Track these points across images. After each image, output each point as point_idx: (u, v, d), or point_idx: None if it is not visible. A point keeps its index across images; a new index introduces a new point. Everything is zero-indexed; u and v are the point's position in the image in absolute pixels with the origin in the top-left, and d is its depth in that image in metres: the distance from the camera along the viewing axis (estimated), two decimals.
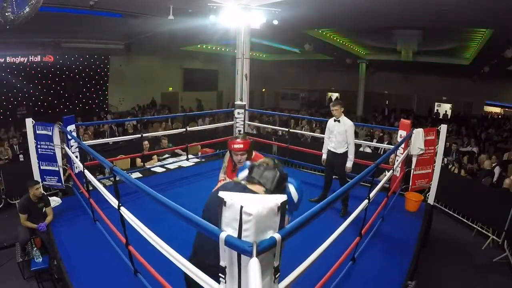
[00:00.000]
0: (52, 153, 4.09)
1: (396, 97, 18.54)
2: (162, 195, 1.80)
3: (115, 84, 14.03)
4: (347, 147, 3.90)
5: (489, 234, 4.79)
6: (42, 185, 4.00)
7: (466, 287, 3.85)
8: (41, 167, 4.11)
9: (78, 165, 4.04)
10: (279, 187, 1.64)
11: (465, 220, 5.23)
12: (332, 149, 3.99)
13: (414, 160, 4.34)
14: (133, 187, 2.04)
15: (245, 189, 1.61)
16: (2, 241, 4.33)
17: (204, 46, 14.25)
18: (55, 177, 4.18)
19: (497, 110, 16.43)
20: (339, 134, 3.89)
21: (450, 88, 16.36)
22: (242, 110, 6.15)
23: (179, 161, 5.78)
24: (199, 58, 16.06)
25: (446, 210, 5.52)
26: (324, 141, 4.19)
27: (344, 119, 3.90)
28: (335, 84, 20.68)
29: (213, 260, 1.50)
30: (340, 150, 3.92)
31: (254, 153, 2.59)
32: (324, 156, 4.16)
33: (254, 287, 1.12)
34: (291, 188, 1.68)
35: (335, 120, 3.92)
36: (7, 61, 10.86)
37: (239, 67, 6.96)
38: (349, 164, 3.92)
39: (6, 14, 4.03)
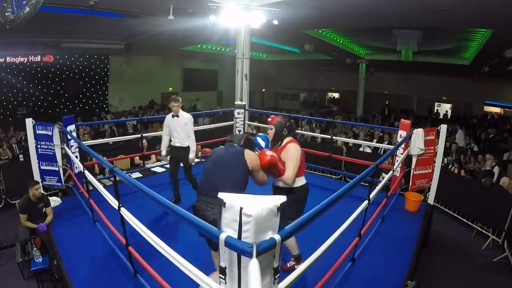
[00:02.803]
0: (52, 153, 4.09)
1: (396, 97, 18.53)
2: (162, 195, 1.81)
3: (115, 84, 14.02)
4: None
5: (489, 234, 4.79)
6: (42, 185, 4.00)
7: (466, 287, 3.85)
8: (41, 167, 4.12)
9: (78, 165, 4.04)
10: (246, 143, 2.42)
11: (465, 220, 5.23)
12: (178, 144, 4.03)
13: (414, 160, 4.34)
14: (133, 187, 2.05)
15: (231, 146, 2.40)
16: (2, 241, 4.33)
17: (204, 46, 14.24)
18: (55, 177, 4.19)
19: (497, 110, 16.42)
20: (181, 129, 3.98)
21: (450, 88, 16.35)
22: (242, 110, 6.15)
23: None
24: (199, 58, 16.05)
25: (446, 210, 5.52)
26: (163, 138, 4.19)
27: (182, 113, 3.99)
28: (335, 84, 20.67)
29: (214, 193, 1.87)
30: (186, 143, 4.02)
31: (288, 139, 2.61)
32: (164, 153, 4.23)
33: None
34: (257, 138, 2.48)
35: (173, 116, 3.99)
36: (7, 61, 10.84)
37: (239, 67, 6.96)
38: (191, 155, 4.03)
39: (6, 14, 4.03)
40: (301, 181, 2.57)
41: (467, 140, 9.38)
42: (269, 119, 2.74)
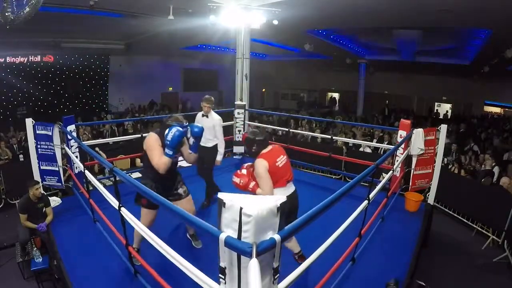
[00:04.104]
0: (52, 153, 4.09)
1: (396, 97, 18.52)
2: None
3: (115, 84, 14.03)
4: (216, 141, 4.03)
5: (489, 234, 4.79)
6: (42, 185, 4.00)
7: (466, 287, 3.85)
8: (41, 167, 4.11)
9: (78, 165, 4.04)
10: (162, 130, 2.61)
11: (465, 220, 5.23)
12: (202, 144, 3.88)
13: (414, 160, 4.34)
14: (133, 187, 2.05)
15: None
16: (2, 241, 4.33)
17: (204, 46, 14.23)
18: (55, 177, 4.19)
19: (497, 110, 16.42)
20: (207, 129, 3.89)
21: (450, 88, 16.33)
22: (242, 110, 6.15)
23: (179, 161, 5.76)
24: (199, 58, 16.06)
25: (446, 210, 5.52)
26: None
27: (212, 114, 3.99)
28: (335, 84, 20.66)
29: None
30: (209, 144, 4.01)
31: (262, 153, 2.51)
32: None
33: None
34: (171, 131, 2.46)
35: (203, 115, 3.99)
36: (7, 61, 10.85)
37: (239, 67, 6.95)
38: (219, 157, 4.01)
39: (6, 14, 4.03)
40: (280, 192, 2.43)
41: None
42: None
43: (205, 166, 4.10)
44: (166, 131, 2.49)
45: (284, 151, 2.65)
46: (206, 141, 3.98)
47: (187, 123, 2.68)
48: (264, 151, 2.52)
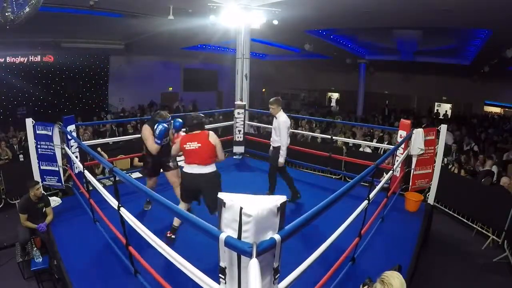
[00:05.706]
0: (52, 153, 4.09)
1: (396, 97, 18.53)
2: (161, 195, 1.81)
3: (115, 84, 14.02)
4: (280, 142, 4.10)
5: (489, 234, 4.79)
6: (42, 185, 4.00)
7: (466, 287, 3.85)
8: (41, 167, 4.12)
9: (78, 165, 4.04)
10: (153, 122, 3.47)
11: (465, 220, 5.23)
12: (271, 143, 4.21)
13: (414, 160, 4.34)
14: (133, 187, 2.05)
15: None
16: (2, 241, 4.33)
17: (204, 46, 14.23)
18: (55, 177, 4.19)
19: (497, 110, 16.41)
20: (273, 130, 4.15)
21: (450, 88, 16.33)
22: (242, 110, 6.15)
23: (179, 161, 5.77)
24: (199, 58, 16.05)
25: (446, 210, 5.52)
26: None
27: (279, 115, 4.04)
28: (335, 84, 20.67)
29: None
30: (274, 144, 4.13)
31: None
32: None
33: None
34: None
35: (273, 117, 4.14)
36: (7, 61, 10.84)
37: (239, 67, 6.95)
38: (280, 159, 4.03)
39: (6, 14, 4.03)
40: (184, 168, 3.09)
41: (466, 140, 9.36)
42: None
43: (270, 165, 4.25)
44: (155, 126, 3.35)
45: (204, 139, 3.02)
46: (273, 141, 4.14)
47: (170, 118, 3.53)
48: (190, 133, 3.10)
